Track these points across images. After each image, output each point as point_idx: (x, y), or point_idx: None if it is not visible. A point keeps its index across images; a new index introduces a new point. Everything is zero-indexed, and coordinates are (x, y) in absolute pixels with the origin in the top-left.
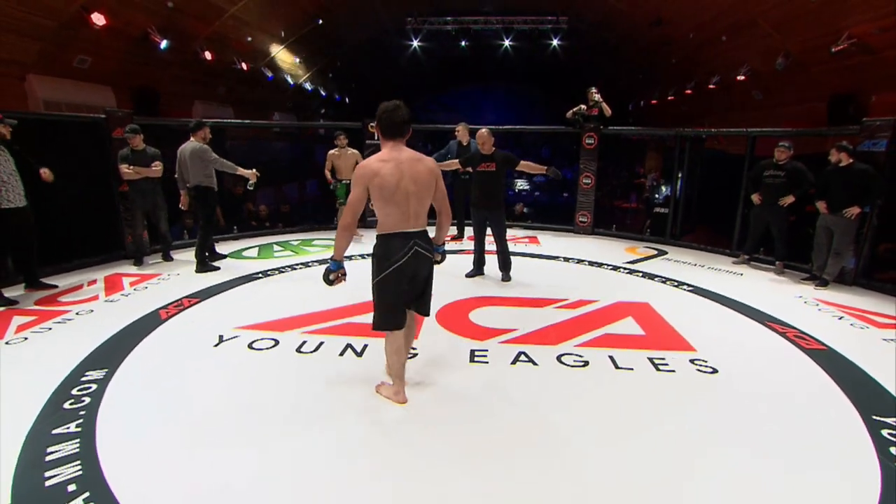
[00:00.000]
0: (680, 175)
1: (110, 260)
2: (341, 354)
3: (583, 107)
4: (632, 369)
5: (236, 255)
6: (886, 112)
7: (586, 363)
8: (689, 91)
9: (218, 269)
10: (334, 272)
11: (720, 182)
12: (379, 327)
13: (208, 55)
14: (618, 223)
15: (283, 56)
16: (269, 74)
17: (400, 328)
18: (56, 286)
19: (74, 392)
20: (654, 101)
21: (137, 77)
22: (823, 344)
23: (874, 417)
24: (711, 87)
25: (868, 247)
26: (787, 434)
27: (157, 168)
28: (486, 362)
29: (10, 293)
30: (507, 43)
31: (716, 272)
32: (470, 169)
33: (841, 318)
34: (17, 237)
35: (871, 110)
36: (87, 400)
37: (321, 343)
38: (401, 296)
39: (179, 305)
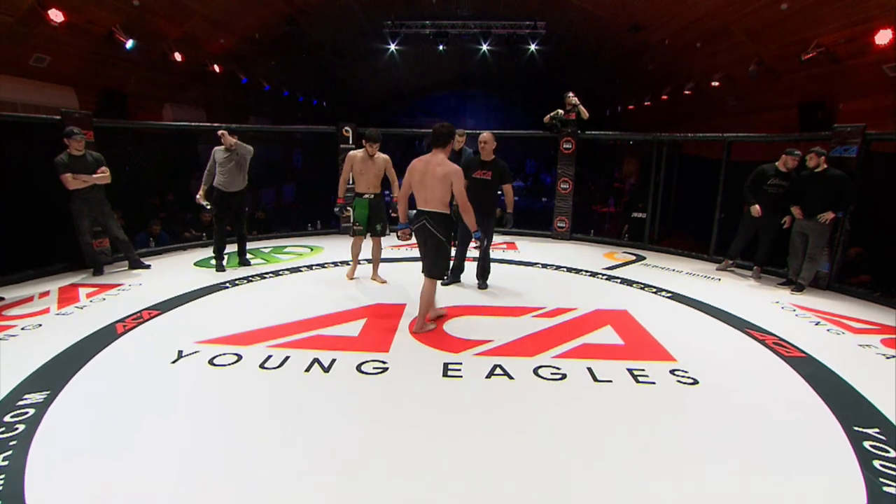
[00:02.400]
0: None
1: (69, 269)
2: (307, 370)
3: (560, 111)
4: (611, 381)
5: (204, 263)
6: (853, 119)
7: (564, 376)
8: (665, 97)
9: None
10: (402, 230)
11: (697, 187)
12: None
13: (178, 56)
14: (596, 228)
15: (258, 59)
16: (243, 77)
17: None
18: (2, 298)
19: (7, 419)
20: (630, 107)
21: (102, 78)
22: (802, 351)
23: (855, 428)
24: (687, 92)
25: (841, 251)
26: (770, 448)
27: (104, 174)
28: (460, 377)
29: None
30: (485, 47)
31: (694, 277)
32: None
33: (818, 324)
34: None
35: (839, 117)
36: (21, 427)
37: (286, 357)
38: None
39: (138, 318)
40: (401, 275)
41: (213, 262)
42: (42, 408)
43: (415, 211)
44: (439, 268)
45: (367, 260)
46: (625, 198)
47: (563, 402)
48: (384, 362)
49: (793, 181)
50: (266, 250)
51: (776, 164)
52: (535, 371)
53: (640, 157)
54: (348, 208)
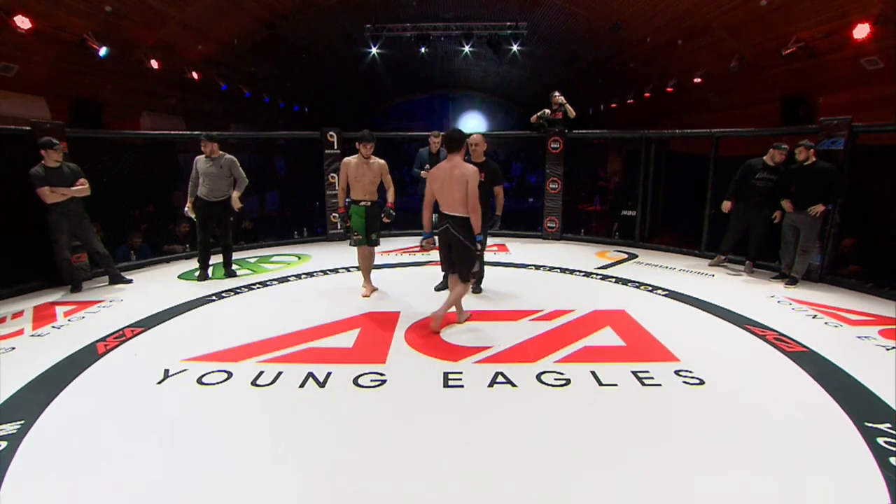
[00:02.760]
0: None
1: (44, 287)
2: (302, 386)
3: (547, 111)
4: (616, 385)
5: (188, 275)
6: (834, 112)
7: (568, 381)
8: (647, 94)
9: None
10: (426, 240)
11: (684, 183)
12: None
13: (155, 64)
14: (584, 227)
15: (237, 65)
16: (223, 84)
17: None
18: None
19: None
20: (613, 105)
21: (75, 87)
22: (803, 346)
23: (867, 424)
24: (669, 90)
25: (832, 243)
26: (787, 449)
27: (83, 187)
28: (462, 386)
29: None
30: (466, 49)
31: (688, 274)
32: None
33: (815, 317)
34: None
35: (820, 111)
36: None
37: (279, 373)
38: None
39: (121, 336)
40: (392, 282)
41: (197, 272)
42: (15, 440)
43: (436, 215)
44: (465, 271)
45: (355, 267)
46: (610, 196)
47: (569, 410)
48: (382, 374)
49: (781, 175)
50: (252, 260)
51: (763, 158)
52: (538, 377)
53: (625, 154)
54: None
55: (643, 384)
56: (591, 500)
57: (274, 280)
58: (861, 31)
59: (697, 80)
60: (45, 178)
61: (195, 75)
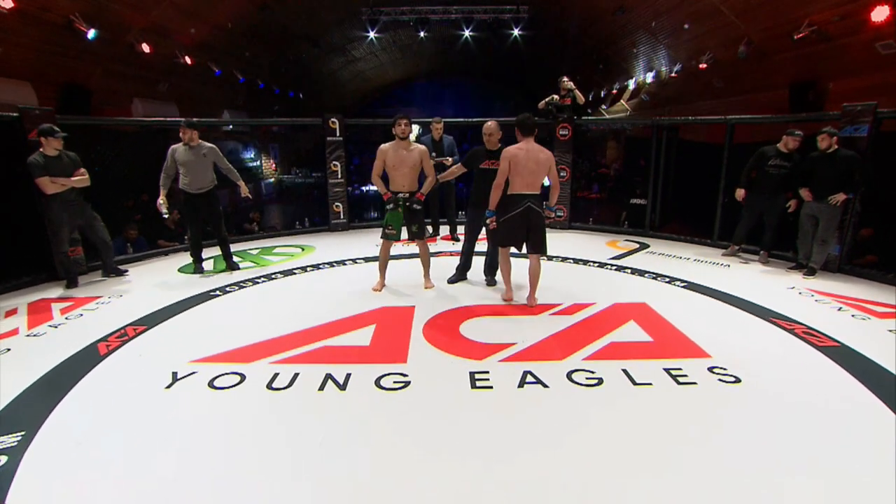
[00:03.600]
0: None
1: (37, 282)
2: (321, 389)
3: (555, 97)
4: (650, 384)
5: (188, 268)
6: (845, 98)
7: (600, 381)
8: (651, 80)
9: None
10: (489, 218)
11: (692, 171)
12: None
13: (146, 48)
14: (590, 215)
15: (231, 50)
16: (217, 69)
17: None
18: None
19: None
20: (615, 91)
21: (63, 71)
22: (834, 340)
23: None
24: (673, 75)
25: (851, 233)
26: (833, 446)
27: (84, 177)
28: (490, 387)
29: None
30: (467, 33)
31: (703, 264)
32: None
33: (840, 310)
34: None
35: (830, 97)
36: None
37: (296, 374)
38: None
39: (123, 335)
40: (403, 274)
41: (193, 265)
42: (16, 454)
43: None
44: (546, 244)
45: (362, 259)
46: (610, 183)
47: (607, 411)
48: (405, 375)
49: (796, 162)
50: (254, 252)
51: (777, 145)
52: (569, 376)
53: (624, 141)
54: (395, 200)
55: (678, 383)
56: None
57: (278, 273)
58: (880, 13)
59: (703, 65)
60: (45, 168)
61: (188, 60)
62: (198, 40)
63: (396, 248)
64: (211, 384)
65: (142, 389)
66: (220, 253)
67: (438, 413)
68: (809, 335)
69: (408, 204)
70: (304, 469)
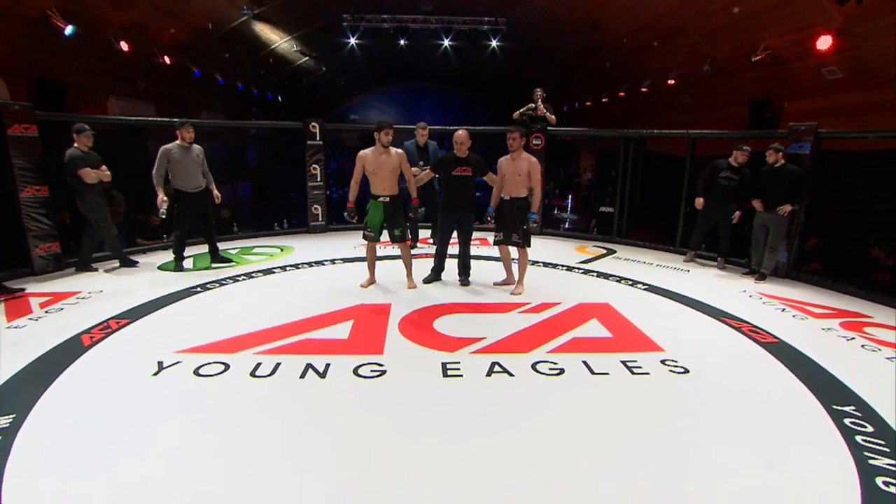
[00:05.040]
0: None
1: (11, 278)
2: (302, 377)
3: (531, 106)
4: (607, 374)
5: (168, 266)
6: (799, 118)
7: (562, 371)
8: (622, 94)
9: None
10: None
11: (657, 181)
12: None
13: (124, 46)
14: (562, 222)
15: (211, 51)
16: (196, 70)
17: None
18: None
19: None
20: (588, 104)
21: (37, 67)
22: (775, 337)
23: (834, 407)
24: (643, 90)
25: (798, 242)
26: (767, 429)
27: (107, 172)
28: (461, 376)
29: None
30: (446, 43)
31: (664, 269)
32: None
33: (783, 311)
34: None
35: (785, 115)
36: None
37: (278, 364)
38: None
39: (106, 328)
40: (381, 274)
41: (174, 263)
42: (9, 434)
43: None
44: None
45: (340, 259)
46: (582, 192)
47: (566, 397)
48: (381, 364)
49: (745, 176)
50: (233, 251)
51: (729, 158)
52: (534, 367)
53: (597, 152)
54: (364, 211)
55: (633, 373)
56: (603, 481)
57: (259, 272)
58: (824, 42)
59: (671, 81)
60: (86, 160)
61: (167, 59)
62: (177, 40)
63: (381, 251)
64: (196, 372)
65: (129, 376)
66: (200, 252)
67: (412, 398)
68: (754, 332)
69: (391, 206)
70: (287, 447)
